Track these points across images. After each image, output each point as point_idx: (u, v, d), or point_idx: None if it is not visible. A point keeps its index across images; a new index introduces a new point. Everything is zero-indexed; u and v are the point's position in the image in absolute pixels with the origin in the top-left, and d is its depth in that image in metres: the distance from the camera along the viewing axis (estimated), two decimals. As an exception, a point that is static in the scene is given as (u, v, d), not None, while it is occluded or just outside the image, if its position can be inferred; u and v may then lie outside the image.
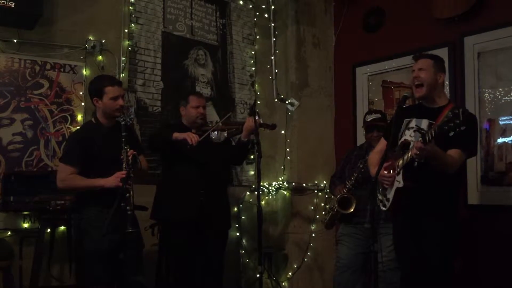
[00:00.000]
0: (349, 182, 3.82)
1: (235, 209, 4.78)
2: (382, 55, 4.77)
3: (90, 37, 4.14)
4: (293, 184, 5.03)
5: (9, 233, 3.68)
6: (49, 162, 3.92)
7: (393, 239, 3.27)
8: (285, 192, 5.07)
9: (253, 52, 5.20)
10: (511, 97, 3.88)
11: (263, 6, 5.17)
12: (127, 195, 3.06)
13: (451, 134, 2.60)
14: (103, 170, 3.14)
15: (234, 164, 4.58)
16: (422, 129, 2.84)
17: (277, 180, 5.09)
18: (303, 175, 5.06)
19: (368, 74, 4.95)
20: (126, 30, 4.34)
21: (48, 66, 3.98)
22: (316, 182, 5.05)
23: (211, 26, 4.94)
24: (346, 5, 5.18)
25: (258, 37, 5.23)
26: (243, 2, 5.16)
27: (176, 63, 4.66)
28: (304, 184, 5.03)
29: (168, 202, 3.71)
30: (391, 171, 3.04)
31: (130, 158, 3.14)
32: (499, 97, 3.95)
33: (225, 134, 3.80)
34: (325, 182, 4.94)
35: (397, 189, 3.00)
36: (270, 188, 5.02)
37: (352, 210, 3.77)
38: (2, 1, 3.47)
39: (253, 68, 5.18)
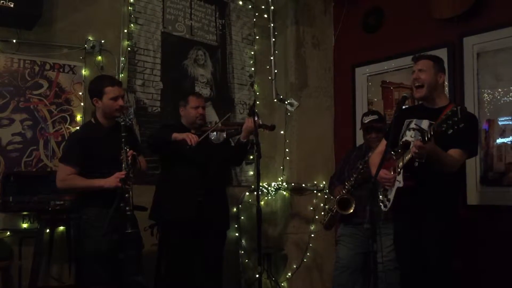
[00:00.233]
0: (348, 183, 3.82)
1: (235, 209, 4.77)
2: (382, 55, 4.77)
3: (89, 37, 4.14)
4: (293, 184, 5.03)
5: (9, 233, 3.67)
6: (49, 163, 3.92)
7: (393, 239, 3.27)
8: (285, 193, 5.07)
9: (252, 53, 5.20)
10: (510, 98, 3.89)
11: (263, 7, 5.18)
12: (126, 195, 3.06)
13: (450, 132, 2.60)
14: (103, 170, 3.14)
15: (233, 164, 4.58)
16: (422, 128, 2.85)
17: (276, 181, 5.09)
18: (302, 176, 5.07)
19: (368, 74, 4.95)
20: (126, 30, 4.34)
21: (47, 66, 3.98)
22: (315, 182, 5.05)
23: (210, 26, 4.94)
24: (345, 5, 5.18)
25: (257, 37, 5.23)
26: (242, 3, 5.16)
27: (175, 63, 4.65)
28: (303, 185, 5.03)
29: (167, 202, 3.71)
30: (392, 171, 3.04)
31: (129, 158, 3.14)
32: (498, 97, 3.95)
33: (225, 135, 3.80)
34: (324, 182, 4.94)
35: (398, 189, 3.01)
36: (269, 188, 5.02)
37: (351, 211, 3.77)
38: (2, 2, 3.47)
39: (253, 69, 5.18)
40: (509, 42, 3.89)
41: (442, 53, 3.96)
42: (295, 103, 4.90)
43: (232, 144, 4.00)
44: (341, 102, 5.22)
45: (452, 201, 3.06)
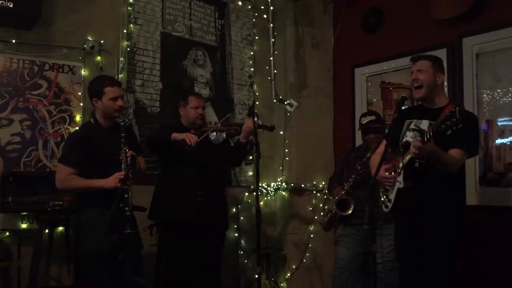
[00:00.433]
0: (347, 184, 3.82)
1: (234, 209, 4.78)
2: (381, 56, 4.77)
3: (88, 38, 4.13)
4: (292, 185, 5.03)
5: (8, 233, 3.67)
6: (48, 163, 3.92)
7: (394, 239, 3.28)
8: (284, 193, 5.07)
9: (251, 53, 5.20)
10: (510, 98, 3.89)
11: (262, 7, 5.17)
12: (125, 195, 3.06)
13: (449, 132, 2.60)
14: (102, 170, 3.14)
15: (233, 165, 4.58)
16: (421, 129, 2.85)
17: (275, 181, 5.09)
18: (301, 176, 5.07)
19: (367, 75, 4.95)
20: (125, 31, 4.34)
21: (46, 67, 3.98)
22: (314, 183, 5.05)
23: (210, 26, 4.94)
24: (345, 6, 5.18)
25: (257, 37, 5.23)
26: (242, 3, 5.16)
27: (175, 63, 4.65)
28: (302, 185, 5.03)
29: (166, 202, 3.71)
30: (392, 172, 3.04)
31: (129, 159, 3.14)
32: (498, 98, 3.95)
33: (224, 135, 3.80)
34: (323, 183, 4.94)
35: (398, 189, 3.01)
36: (268, 188, 5.02)
37: (350, 212, 3.78)
38: (1, 2, 3.47)
39: (252, 69, 5.18)
40: (509, 42, 3.89)
41: (441, 54, 3.96)
42: (295, 103, 4.90)
43: (232, 144, 4.00)
44: (341, 103, 5.22)
45: (453, 202, 3.06)
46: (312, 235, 4.94)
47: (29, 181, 3.65)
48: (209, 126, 3.82)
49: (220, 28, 5.02)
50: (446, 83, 4.00)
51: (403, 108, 3.22)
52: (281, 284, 4.92)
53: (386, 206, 3.12)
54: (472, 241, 3.82)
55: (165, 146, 3.64)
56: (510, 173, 3.86)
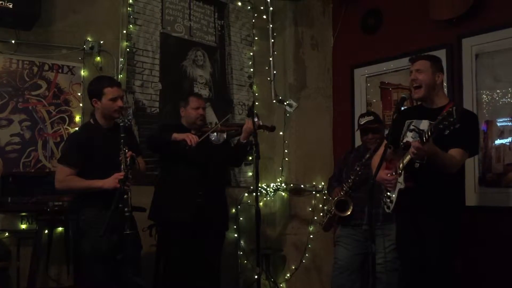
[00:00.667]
0: (346, 185, 3.82)
1: (233, 210, 4.78)
2: (380, 56, 4.78)
3: (88, 38, 4.13)
4: (291, 185, 5.03)
5: (7, 234, 3.67)
6: (47, 163, 3.92)
7: (395, 240, 3.28)
8: (283, 194, 5.07)
9: (251, 53, 5.20)
10: (509, 99, 3.89)
11: (262, 8, 5.17)
12: (125, 196, 3.05)
13: (447, 132, 2.60)
14: (101, 171, 3.14)
15: (232, 165, 4.58)
16: (419, 129, 2.85)
17: (275, 181, 5.09)
18: (301, 177, 5.07)
19: (366, 75, 4.96)
20: (125, 31, 4.34)
21: (46, 67, 3.98)
22: (314, 183, 5.05)
23: (209, 27, 4.94)
24: (344, 6, 5.19)
25: (256, 38, 5.23)
26: (241, 4, 5.16)
27: (174, 64, 4.65)
28: (302, 186, 5.03)
29: (166, 202, 3.71)
30: (393, 173, 3.04)
31: (128, 159, 3.14)
32: (497, 98, 3.96)
33: (224, 136, 3.80)
34: (323, 183, 4.94)
35: (399, 190, 3.01)
36: (268, 189, 5.02)
37: (349, 212, 3.78)
38: (0, 2, 3.47)
39: (251, 70, 5.18)
40: (508, 43, 3.89)
41: (440, 54, 3.96)
42: (294, 104, 4.90)
43: (232, 145, 4.00)
44: (340, 103, 5.22)
45: (453, 202, 3.05)
46: (311, 236, 4.94)
47: (29, 182, 3.65)
48: (209, 126, 3.82)
49: (219, 28, 5.02)
50: (445, 84, 4.00)
51: (402, 108, 3.21)
52: (281, 285, 4.92)
53: (388, 207, 3.12)
54: (472, 242, 3.82)
55: (165, 146, 3.64)
56: (509, 174, 3.86)
